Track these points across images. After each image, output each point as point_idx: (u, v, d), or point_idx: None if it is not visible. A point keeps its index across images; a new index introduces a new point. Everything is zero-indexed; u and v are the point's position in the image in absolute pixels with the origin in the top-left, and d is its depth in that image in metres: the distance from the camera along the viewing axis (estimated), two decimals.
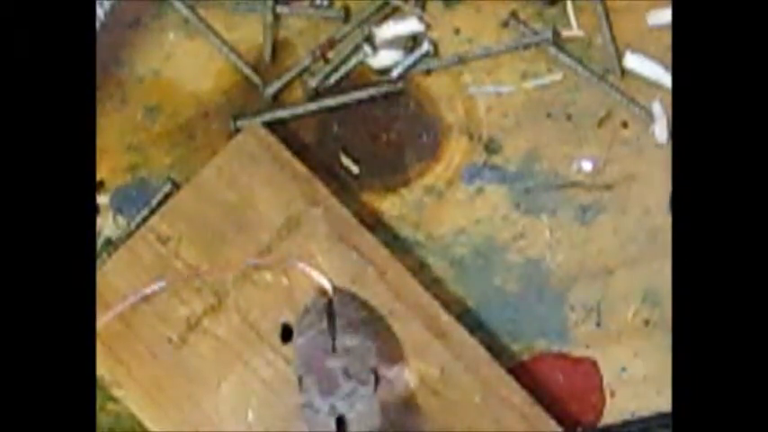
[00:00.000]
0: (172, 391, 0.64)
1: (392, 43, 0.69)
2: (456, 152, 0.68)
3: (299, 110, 0.69)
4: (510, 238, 0.68)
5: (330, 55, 0.70)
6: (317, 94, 0.69)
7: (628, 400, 0.66)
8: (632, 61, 0.68)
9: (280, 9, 0.70)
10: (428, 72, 0.69)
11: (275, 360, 0.64)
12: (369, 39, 0.69)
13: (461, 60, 0.69)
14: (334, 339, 0.63)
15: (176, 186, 0.68)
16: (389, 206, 0.68)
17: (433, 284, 0.66)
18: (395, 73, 0.69)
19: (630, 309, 0.67)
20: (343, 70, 0.69)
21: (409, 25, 0.69)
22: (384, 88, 0.69)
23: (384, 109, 0.69)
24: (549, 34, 0.68)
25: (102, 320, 0.63)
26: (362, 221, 0.66)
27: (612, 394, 0.66)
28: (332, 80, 0.69)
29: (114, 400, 0.65)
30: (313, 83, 0.69)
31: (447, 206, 0.68)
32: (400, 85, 0.69)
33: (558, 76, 0.69)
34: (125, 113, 0.70)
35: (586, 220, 0.68)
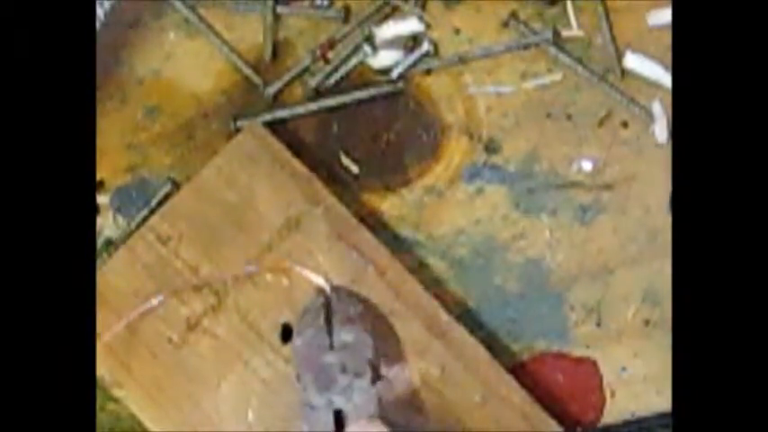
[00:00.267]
0: (172, 391, 0.64)
1: (392, 43, 0.69)
2: (456, 152, 0.68)
3: (299, 110, 0.69)
4: (510, 237, 0.68)
5: (330, 55, 0.70)
6: (317, 94, 0.69)
7: (628, 400, 0.66)
8: (632, 61, 0.68)
9: (280, 9, 0.70)
10: (428, 72, 0.69)
11: (275, 360, 0.64)
12: (369, 39, 0.69)
13: (461, 60, 0.69)
14: (331, 336, 0.63)
15: (176, 186, 0.68)
16: (389, 206, 0.68)
17: (433, 284, 0.66)
18: (395, 73, 0.69)
19: (630, 309, 0.67)
20: (343, 70, 0.69)
21: (409, 25, 0.69)
22: (384, 88, 0.69)
23: (384, 109, 0.69)
24: (549, 34, 0.68)
25: (107, 335, 0.64)
26: (362, 221, 0.66)
27: (612, 394, 0.66)
28: (332, 80, 0.69)
29: (114, 400, 0.65)
30: (313, 83, 0.69)
31: (447, 206, 0.68)
32: (400, 85, 0.69)
33: (558, 76, 0.69)
34: (125, 113, 0.70)
35: (586, 220, 0.68)
